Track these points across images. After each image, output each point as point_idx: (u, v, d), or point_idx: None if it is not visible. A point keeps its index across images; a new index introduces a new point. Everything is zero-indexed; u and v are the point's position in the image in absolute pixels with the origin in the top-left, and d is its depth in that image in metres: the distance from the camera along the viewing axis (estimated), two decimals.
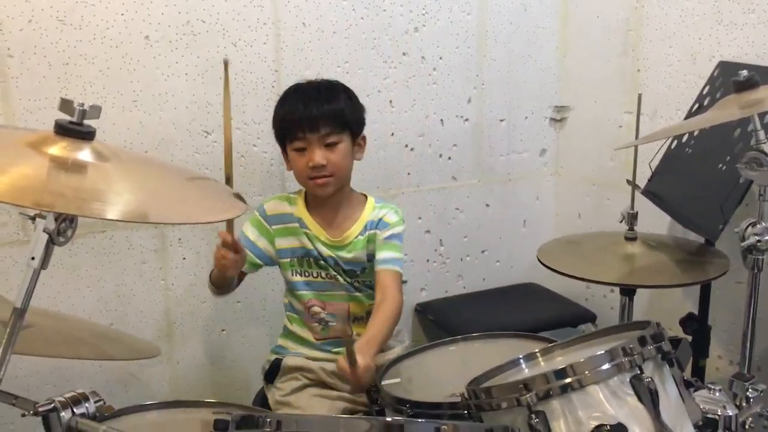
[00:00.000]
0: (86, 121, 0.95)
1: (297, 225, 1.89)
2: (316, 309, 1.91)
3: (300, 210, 1.90)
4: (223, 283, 1.87)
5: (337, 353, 1.85)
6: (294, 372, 1.90)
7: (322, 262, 1.89)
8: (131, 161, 1.07)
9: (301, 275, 1.91)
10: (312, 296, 1.91)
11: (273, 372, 1.92)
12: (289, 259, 1.91)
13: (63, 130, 0.95)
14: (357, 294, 1.92)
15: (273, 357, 1.94)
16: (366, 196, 1.96)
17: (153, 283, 2.16)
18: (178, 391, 2.22)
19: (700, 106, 2.00)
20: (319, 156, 1.79)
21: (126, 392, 2.16)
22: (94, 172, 0.94)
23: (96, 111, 0.96)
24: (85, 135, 0.96)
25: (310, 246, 1.88)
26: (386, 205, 1.94)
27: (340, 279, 1.90)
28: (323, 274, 1.90)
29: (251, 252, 1.88)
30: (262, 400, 1.98)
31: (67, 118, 0.95)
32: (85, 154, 0.95)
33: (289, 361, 1.90)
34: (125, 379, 2.17)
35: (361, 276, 1.92)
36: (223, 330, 2.28)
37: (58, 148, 0.94)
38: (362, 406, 1.84)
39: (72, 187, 0.92)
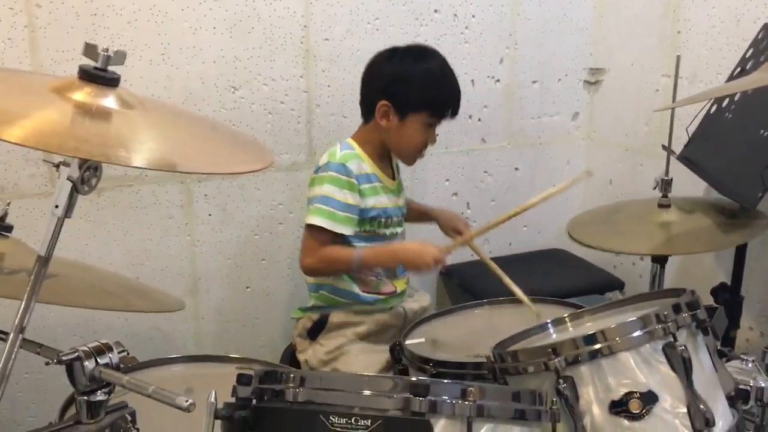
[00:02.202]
0: (111, 67, 0.93)
1: (379, 183, 1.87)
2: None
3: (373, 166, 1.87)
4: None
5: (383, 306, 1.91)
6: (340, 329, 1.88)
7: (395, 218, 1.91)
8: (156, 110, 1.05)
9: (373, 232, 1.88)
10: None
11: (318, 328, 1.89)
12: (376, 219, 1.87)
13: (87, 76, 0.93)
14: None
15: (316, 315, 1.90)
16: None
17: (178, 239, 2.16)
18: (202, 347, 2.24)
19: (742, 70, 1.93)
20: (435, 138, 1.86)
21: (152, 346, 2.17)
22: (118, 119, 0.92)
23: (121, 57, 0.94)
24: (110, 81, 0.94)
25: (388, 203, 1.88)
26: None
27: (399, 232, 1.93)
28: (389, 232, 1.90)
29: (353, 215, 1.81)
30: (290, 359, 1.98)
31: (92, 63, 0.93)
32: (109, 100, 0.93)
33: (335, 317, 1.88)
34: (150, 334, 2.18)
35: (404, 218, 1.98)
36: (247, 287, 2.28)
37: (83, 94, 0.92)
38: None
39: (96, 133, 0.90)
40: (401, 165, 2.00)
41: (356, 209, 1.81)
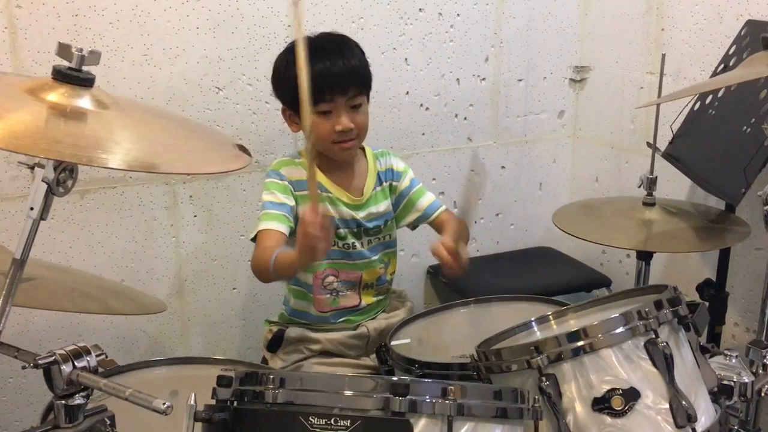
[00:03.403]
0: (86, 67, 0.92)
1: (329, 193, 1.80)
2: (330, 279, 1.83)
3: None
4: (297, 271, 1.75)
5: (342, 324, 1.85)
6: (297, 344, 1.84)
7: (342, 230, 1.80)
8: (132, 110, 1.03)
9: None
10: (327, 266, 1.81)
11: (276, 343, 1.86)
12: None
13: (61, 76, 0.92)
14: (373, 259, 1.85)
15: (276, 328, 1.87)
16: (362, 147, 1.89)
17: (164, 240, 2.15)
18: (189, 349, 2.22)
19: (725, 67, 1.94)
20: (346, 120, 1.71)
21: (138, 349, 2.16)
22: (93, 120, 0.91)
23: (95, 57, 0.93)
24: (84, 81, 0.93)
25: (332, 213, 1.78)
26: (382, 152, 1.91)
27: (358, 245, 1.83)
28: (341, 244, 1.81)
29: (283, 213, 1.72)
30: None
31: (66, 63, 0.92)
32: (84, 101, 0.92)
33: (292, 332, 1.84)
34: (136, 336, 2.17)
35: (384, 230, 1.86)
36: (234, 288, 2.27)
37: (57, 95, 0.91)
38: (368, 370, 1.83)
39: (71, 134, 0.89)
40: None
41: (285, 207, 1.73)
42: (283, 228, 1.71)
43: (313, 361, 1.83)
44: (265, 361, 1.91)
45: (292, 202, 1.75)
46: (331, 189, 1.81)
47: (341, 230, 1.81)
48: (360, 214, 1.82)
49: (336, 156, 1.79)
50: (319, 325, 1.85)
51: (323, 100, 1.69)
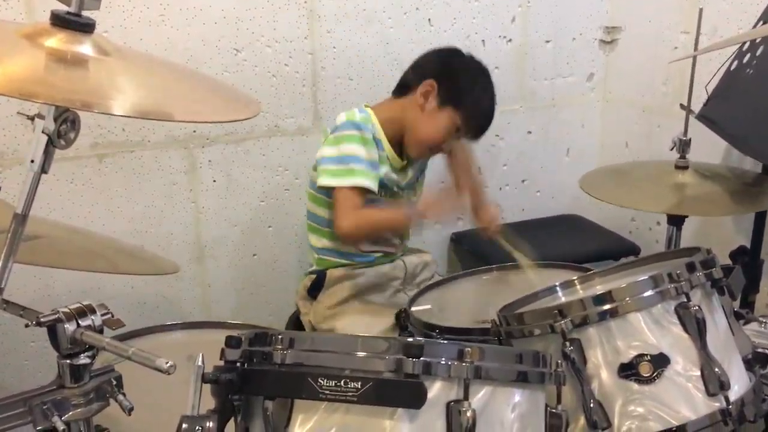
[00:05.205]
0: (85, 12, 0.88)
1: (384, 153, 1.81)
2: None
3: (384, 138, 1.81)
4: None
5: (381, 259, 1.89)
6: (340, 282, 1.83)
7: (394, 189, 1.86)
8: (135, 57, 0.99)
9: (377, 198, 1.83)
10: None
11: (317, 286, 1.86)
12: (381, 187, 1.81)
13: (61, 21, 0.87)
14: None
15: (315, 273, 1.88)
16: None
17: (183, 206, 2.12)
18: (209, 315, 2.21)
19: (765, 23, 1.84)
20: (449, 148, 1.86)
21: (158, 314, 2.15)
22: (95, 67, 0.87)
23: (95, 2, 0.88)
24: (85, 27, 0.88)
25: (392, 175, 1.83)
26: None
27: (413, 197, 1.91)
28: (387, 194, 1.85)
29: (378, 173, 1.75)
30: (295, 323, 1.95)
31: (65, 8, 0.88)
32: (85, 47, 0.88)
33: (334, 272, 1.84)
34: (156, 301, 2.15)
35: (417, 184, 1.96)
36: (254, 254, 2.25)
37: (56, 41, 0.87)
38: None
39: (71, 80, 0.85)
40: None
41: (376, 165, 1.75)
42: (375, 187, 1.73)
43: (356, 306, 1.83)
44: (296, 315, 1.93)
45: (377, 158, 1.76)
46: (389, 152, 1.81)
47: (393, 189, 1.86)
48: (401, 182, 1.88)
49: (415, 151, 1.83)
50: (359, 263, 1.87)
51: (467, 131, 1.81)
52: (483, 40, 2.35)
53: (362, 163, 1.71)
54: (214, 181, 2.14)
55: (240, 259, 2.23)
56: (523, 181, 2.57)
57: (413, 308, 1.65)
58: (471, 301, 1.75)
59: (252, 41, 2.08)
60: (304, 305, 1.91)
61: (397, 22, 2.21)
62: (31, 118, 0.89)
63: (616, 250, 2.36)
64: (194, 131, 2.07)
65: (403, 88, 1.85)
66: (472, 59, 1.87)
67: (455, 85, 1.77)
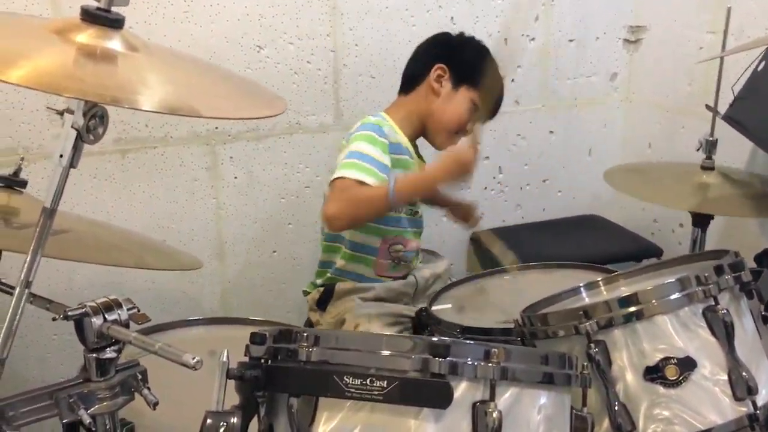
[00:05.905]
0: (115, 8, 0.88)
1: (408, 157, 1.77)
2: (399, 247, 1.80)
3: (405, 139, 1.78)
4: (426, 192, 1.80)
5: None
6: (350, 294, 1.79)
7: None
8: (162, 54, 1.00)
9: (398, 212, 1.79)
10: (398, 233, 1.80)
11: (326, 299, 1.82)
12: None
13: (90, 17, 0.88)
14: (424, 227, 1.90)
15: (323, 286, 1.84)
16: None
17: (204, 202, 2.13)
18: (228, 312, 2.21)
19: None
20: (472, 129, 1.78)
21: (179, 309, 2.16)
22: (124, 63, 0.87)
23: None
24: (114, 22, 0.89)
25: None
26: None
27: (419, 211, 1.86)
28: (404, 210, 1.80)
29: (380, 171, 1.63)
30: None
31: (95, 4, 0.88)
32: (114, 43, 0.88)
33: (342, 285, 1.80)
34: (177, 297, 2.16)
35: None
36: (274, 251, 2.25)
37: (86, 36, 0.87)
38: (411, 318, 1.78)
39: (100, 75, 0.85)
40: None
41: (385, 168, 1.66)
42: (373, 183, 1.64)
43: (364, 309, 1.76)
44: (310, 323, 1.89)
45: (388, 163, 1.69)
46: (413, 156, 1.81)
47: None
48: None
49: (440, 140, 1.80)
50: (371, 281, 1.82)
51: (487, 107, 1.79)
52: (506, 39, 2.33)
53: (369, 160, 1.64)
54: (235, 177, 2.15)
55: (259, 255, 2.24)
56: (544, 180, 2.55)
57: (433, 307, 1.65)
58: (491, 301, 1.74)
59: (274, 38, 2.08)
60: (313, 316, 1.87)
61: (419, 20, 2.20)
62: (61, 113, 0.90)
63: (638, 252, 2.34)
64: (216, 128, 2.08)
65: (409, 83, 1.82)
66: (470, 37, 1.86)
67: (465, 63, 1.77)
